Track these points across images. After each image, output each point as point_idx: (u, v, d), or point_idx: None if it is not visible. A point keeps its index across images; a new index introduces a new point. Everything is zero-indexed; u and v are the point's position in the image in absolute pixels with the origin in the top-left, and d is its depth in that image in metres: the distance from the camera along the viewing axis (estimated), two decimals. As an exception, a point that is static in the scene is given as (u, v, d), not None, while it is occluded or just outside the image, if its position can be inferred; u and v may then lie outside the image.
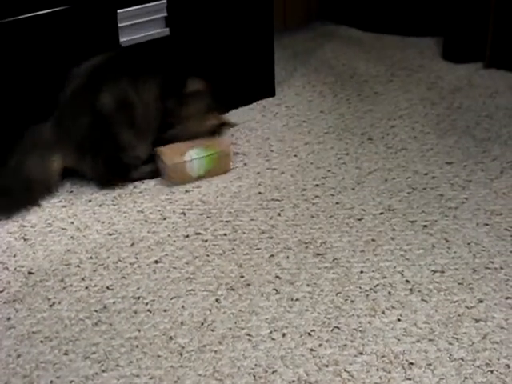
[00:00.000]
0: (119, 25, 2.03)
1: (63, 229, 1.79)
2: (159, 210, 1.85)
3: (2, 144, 1.89)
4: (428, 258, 1.66)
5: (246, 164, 2.05)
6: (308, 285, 1.58)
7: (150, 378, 1.37)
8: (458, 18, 2.65)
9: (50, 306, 1.55)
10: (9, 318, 1.52)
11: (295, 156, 2.09)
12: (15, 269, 1.67)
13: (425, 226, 1.77)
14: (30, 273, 1.65)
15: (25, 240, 1.76)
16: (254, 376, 1.36)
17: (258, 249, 1.70)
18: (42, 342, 1.46)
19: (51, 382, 1.37)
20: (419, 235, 1.74)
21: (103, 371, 1.39)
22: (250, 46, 2.34)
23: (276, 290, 1.57)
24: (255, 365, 1.39)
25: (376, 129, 2.24)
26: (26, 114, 1.93)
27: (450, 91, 2.47)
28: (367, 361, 1.39)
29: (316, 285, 1.58)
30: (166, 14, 2.10)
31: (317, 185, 1.95)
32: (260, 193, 1.92)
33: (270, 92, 2.44)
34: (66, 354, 1.43)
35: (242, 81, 2.35)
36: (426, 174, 1.99)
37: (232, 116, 2.27)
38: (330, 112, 2.36)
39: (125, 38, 2.04)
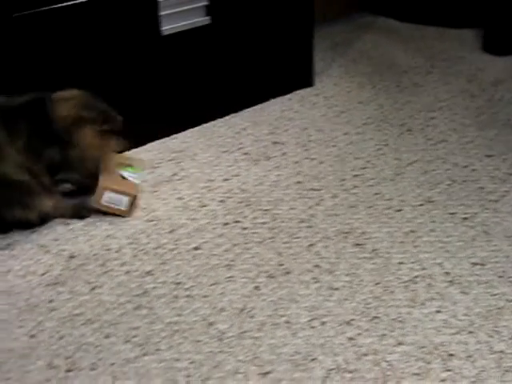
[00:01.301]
0: (160, 13, 2.04)
1: (104, 214, 1.82)
2: (198, 198, 1.87)
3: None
4: (468, 251, 1.65)
5: (284, 153, 2.05)
6: (347, 274, 1.59)
7: (191, 363, 1.38)
8: (499, 10, 2.63)
9: (92, 289, 1.58)
10: (51, 301, 1.55)
11: (334, 146, 2.09)
12: (57, 252, 1.69)
13: (465, 218, 1.76)
14: (71, 257, 1.67)
15: (66, 225, 1.78)
16: (294, 363, 1.37)
17: (298, 238, 1.70)
18: (83, 324, 1.48)
19: (93, 363, 1.39)
20: (459, 227, 1.73)
21: (144, 355, 1.40)
22: (290, 36, 2.34)
23: (315, 279, 1.57)
24: (295, 352, 1.39)
25: (415, 120, 2.23)
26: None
27: (491, 84, 2.45)
28: (406, 351, 1.39)
29: (355, 275, 1.59)
30: (207, 3, 2.11)
31: (356, 175, 1.95)
32: (299, 182, 1.92)
33: (309, 82, 2.44)
34: (107, 336, 1.45)
35: (281, 71, 2.35)
36: (465, 167, 1.97)
37: (270, 106, 2.28)
38: (369, 103, 2.35)
39: (166, 27, 2.05)
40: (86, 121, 1.78)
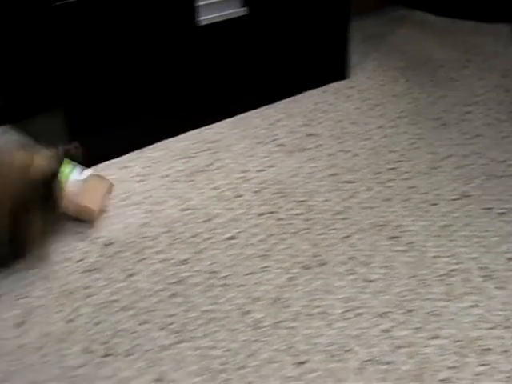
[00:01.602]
0: (197, 4, 2.05)
1: (139, 203, 1.83)
2: (233, 188, 1.87)
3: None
4: (504, 246, 1.64)
5: (319, 145, 2.05)
6: (382, 267, 1.58)
7: (226, 351, 1.39)
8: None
9: (128, 276, 1.59)
10: (87, 287, 1.56)
11: (368, 139, 2.09)
12: (93, 240, 1.71)
13: (501, 213, 1.75)
14: (107, 244, 1.69)
15: (102, 212, 1.80)
16: (329, 353, 1.37)
17: (333, 229, 1.70)
18: (119, 310, 1.50)
19: (129, 349, 1.40)
20: (495, 222, 1.72)
21: (179, 342, 1.41)
22: (326, 29, 2.33)
23: (350, 271, 1.58)
24: (330, 343, 1.40)
25: (450, 114, 2.22)
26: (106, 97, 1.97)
27: (527, 79, 2.43)
28: (442, 344, 1.39)
29: (390, 267, 1.58)
30: (243, -6, 2.12)
31: (390, 168, 1.94)
32: (333, 174, 1.92)
33: (343, 75, 2.43)
34: (143, 323, 1.46)
35: (316, 63, 2.34)
36: (502, 162, 1.96)
37: (304, 98, 2.28)
38: (403, 96, 2.34)
39: (203, 17, 2.06)
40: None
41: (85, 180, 1.76)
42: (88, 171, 1.79)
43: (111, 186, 1.83)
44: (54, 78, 1.93)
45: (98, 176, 1.82)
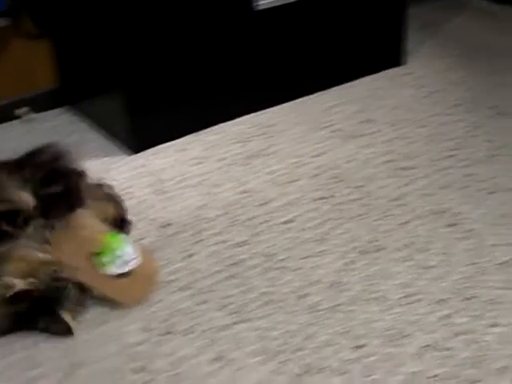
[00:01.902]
0: (255, -12, 2.05)
1: (197, 185, 1.85)
2: (289, 173, 1.88)
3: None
4: (562, 235, 1.63)
5: (375, 132, 2.05)
6: (440, 254, 1.58)
7: (284, 333, 1.40)
8: None
9: (186, 257, 1.61)
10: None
11: (424, 126, 2.07)
12: (152, 220, 1.73)
13: (561, 203, 1.74)
14: (166, 225, 1.71)
15: (160, 193, 1.82)
16: (386, 338, 1.38)
17: (390, 215, 1.70)
18: (178, 290, 1.52)
19: (188, 328, 1.42)
20: (555, 212, 1.71)
21: (237, 322, 1.43)
22: (382, 15, 2.32)
23: (408, 257, 1.57)
24: (387, 328, 1.40)
25: (507, 103, 2.19)
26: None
27: None
28: (502, 332, 1.38)
29: (448, 254, 1.58)
30: (302, -21, 2.11)
31: (448, 156, 1.93)
32: (390, 161, 1.91)
33: (398, 62, 2.42)
34: (201, 303, 1.48)
35: (371, 49, 2.33)
36: (560, 151, 1.94)
37: (360, 84, 2.28)
38: (459, 84, 2.32)
39: (260, 2, 2.06)
40: None
41: (126, 274, 1.48)
42: (135, 261, 1.48)
43: (155, 279, 1.55)
44: (115, 60, 1.95)
45: (143, 269, 1.51)
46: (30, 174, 1.52)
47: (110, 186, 1.68)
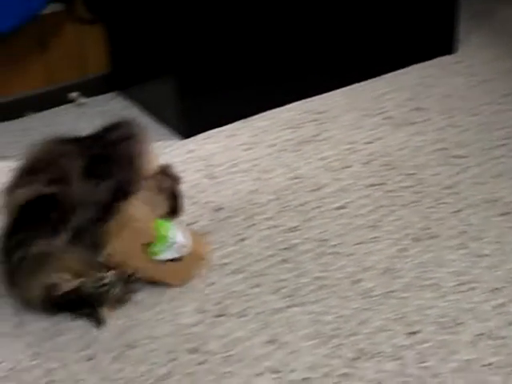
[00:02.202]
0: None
1: (248, 170, 1.86)
2: (341, 159, 1.88)
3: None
4: None
5: (427, 119, 2.03)
6: (494, 242, 1.57)
7: (338, 317, 1.40)
8: None
9: (239, 241, 1.62)
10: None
11: (477, 115, 2.05)
12: (204, 204, 1.74)
13: None
14: (218, 208, 1.72)
15: (212, 178, 1.84)
16: (441, 325, 1.37)
17: (443, 203, 1.69)
18: (231, 273, 1.53)
19: (241, 311, 1.44)
20: None
21: (291, 306, 1.44)
22: (435, 3, 2.30)
23: (462, 245, 1.57)
24: (442, 315, 1.40)
25: (560, 93, 2.17)
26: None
27: None
28: (559, 322, 1.37)
29: (503, 243, 1.57)
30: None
31: (501, 145, 1.91)
32: (443, 149, 1.90)
33: (450, 50, 2.39)
34: (255, 286, 1.49)
35: (423, 36, 2.31)
36: None
37: (411, 71, 2.26)
38: (509, 74, 2.29)
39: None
40: None
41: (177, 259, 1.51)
42: (186, 249, 1.51)
43: (205, 261, 1.57)
44: (168, 45, 1.97)
45: (193, 255, 1.53)
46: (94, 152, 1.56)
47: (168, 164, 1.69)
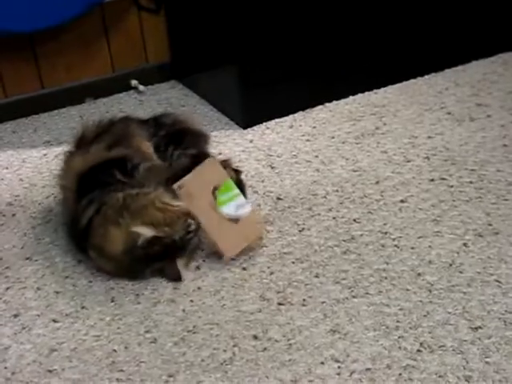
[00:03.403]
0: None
1: (308, 161, 1.86)
2: (402, 153, 1.87)
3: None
4: None
5: (489, 116, 2.02)
6: (559, 241, 1.56)
7: (400, 309, 1.40)
8: None
9: (300, 231, 1.63)
10: (260, 238, 1.61)
11: (541, 112, 2.04)
12: (264, 193, 1.76)
13: None
14: (278, 198, 1.74)
15: (272, 168, 1.85)
16: (505, 321, 1.36)
17: (506, 200, 1.68)
18: (293, 262, 1.54)
19: (303, 300, 1.44)
20: None
21: (353, 297, 1.44)
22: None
23: (526, 242, 1.56)
24: (505, 311, 1.39)
25: None
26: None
27: None
28: None
29: None
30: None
31: None
32: (505, 145, 1.88)
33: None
34: (316, 276, 1.50)
35: (485, 32, 2.29)
36: None
37: (472, 67, 2.24)
38: None
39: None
40: None
41: (236, 219, 1.56)
42: (246, 209, 1.57)
43: (260, 236, 1.61)
44: (231, 36, 1.98)
45: (252, 222, 1.59)
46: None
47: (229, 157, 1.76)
